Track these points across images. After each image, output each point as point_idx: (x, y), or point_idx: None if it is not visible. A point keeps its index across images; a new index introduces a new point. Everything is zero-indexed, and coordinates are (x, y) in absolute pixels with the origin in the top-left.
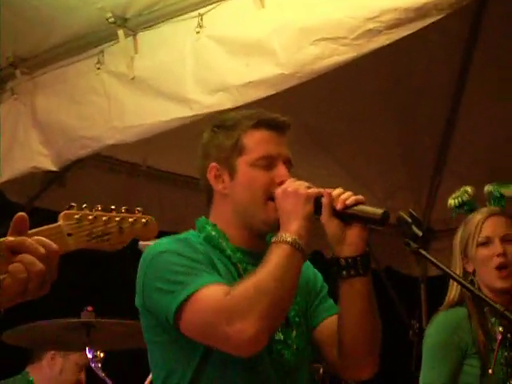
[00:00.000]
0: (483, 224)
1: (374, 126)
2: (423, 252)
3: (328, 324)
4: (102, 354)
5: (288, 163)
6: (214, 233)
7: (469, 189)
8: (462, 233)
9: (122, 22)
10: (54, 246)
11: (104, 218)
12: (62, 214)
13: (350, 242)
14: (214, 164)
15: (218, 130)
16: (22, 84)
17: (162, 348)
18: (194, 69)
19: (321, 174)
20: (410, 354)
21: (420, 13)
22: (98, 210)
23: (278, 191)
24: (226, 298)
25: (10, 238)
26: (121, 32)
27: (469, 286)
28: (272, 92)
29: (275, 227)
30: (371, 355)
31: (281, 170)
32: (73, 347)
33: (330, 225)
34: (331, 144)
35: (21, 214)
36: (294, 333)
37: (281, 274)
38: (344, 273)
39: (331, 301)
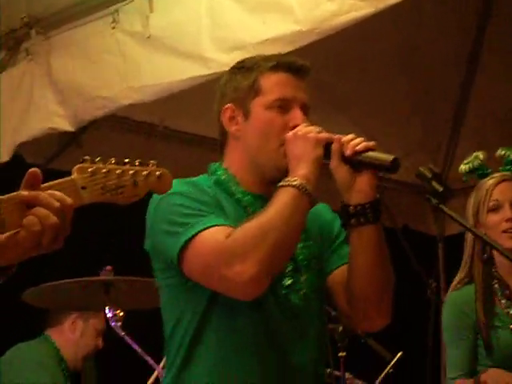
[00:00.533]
0: (493, 189)
1: (390, 87)
2: (443, 207)
3: (341, 272)
4: (121, 313)
5: (305, 108)
6: (224, 176)
7: (480, 154)
8: (473, 198)
9: None
10: (69, 199)
11: (118, 172)
12: (75, 167)
13: (359, 189)
14: (229, 105)
15: (237, 71)
16: (37, 44)
17: (171, 292)
18: (209, 27)
19: (337, 132)
20: (428, 313)
21: None
22: (111, 164)
23: (289, 135)
24: (227, 240)
25: (24, 192)
26: None
27: (486, 237)
28: (289, 49)
29: (287, 173)
30: (382, 304)
31: (296, 113)
32: (92, 307)
33: (339, 171)
34: (346, 103)
35: (33, 169)
36: (304, 277)
37: (285, 216)
38: (353, 220)
39: (348, 248)
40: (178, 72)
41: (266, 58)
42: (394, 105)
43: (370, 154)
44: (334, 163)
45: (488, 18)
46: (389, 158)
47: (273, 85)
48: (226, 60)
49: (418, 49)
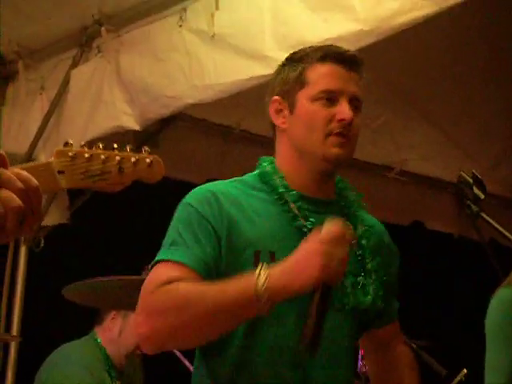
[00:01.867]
0: None
1: (478, 92)
2: (484, 215)
3: (382, 332)
4: None
5: (355, 101)
6: (268, 168)
7: None
8: None
9: None
10: (34, 181)
11: (102, 157)
12: (55, 150)
13: None
14: (276, 97)
15: (286, 63)
16: (108, 42)
17: None
18: (272, 25)
19: (419, 142)
20: None
21: None
22: (97, 148)
23: (314, 239)
24: (163, 287)
25: None
26: None
27: None
28: (351, 49)
29: (337, 164)
30: None
31: (343, 106)
32: (133, 306)
33: None
34: (428, 108)
35: None
36: (350, 288)
37: (219, 307)
38: None
39: (396, 303)
40: (240, 71)
41: (315, 49)
42: (482, 113)
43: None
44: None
45: None
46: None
47: (319, 76)
48: None
49: (508, 55)
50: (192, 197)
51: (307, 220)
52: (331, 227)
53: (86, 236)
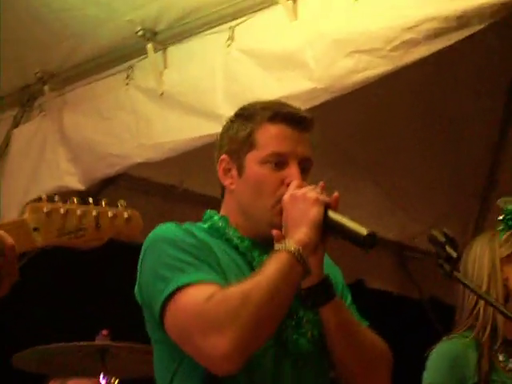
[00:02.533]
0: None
1: (418, 152)
2: (458, 275)
3: None
4: (116, 381)
5: (306, 163)
6: (221, 223)
7: None
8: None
9: (151, 35)
10: (9, 239)
11: (78, 212)
12: (28, 206)
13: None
14: (224, 156)
15: (235, 120)
16: (51, 101)
17: (162, 347)
18: (224, 83)
19: (363, 202)
20: None
21: (461, 22)
22: (73, 203)
23: (286, 197)
24: (207, 304)
25: None
26: (150, 46)
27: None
28: (304, 107)
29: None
30: (370, 381)
31: (292, 169)
32: (86, 373)
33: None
34: (372, 170)
35: None
36: (305, 318)
37: (274, 285)
38: (309, 303)
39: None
40: (190, 129)
41: (266, 107)
42: (423, 173)
43: (350, 224)
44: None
45: None
46: (363, 231)
47: (269, 138)
48: None
49: (447, 116)
50: (168, 231)
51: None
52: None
53: (33, 301)
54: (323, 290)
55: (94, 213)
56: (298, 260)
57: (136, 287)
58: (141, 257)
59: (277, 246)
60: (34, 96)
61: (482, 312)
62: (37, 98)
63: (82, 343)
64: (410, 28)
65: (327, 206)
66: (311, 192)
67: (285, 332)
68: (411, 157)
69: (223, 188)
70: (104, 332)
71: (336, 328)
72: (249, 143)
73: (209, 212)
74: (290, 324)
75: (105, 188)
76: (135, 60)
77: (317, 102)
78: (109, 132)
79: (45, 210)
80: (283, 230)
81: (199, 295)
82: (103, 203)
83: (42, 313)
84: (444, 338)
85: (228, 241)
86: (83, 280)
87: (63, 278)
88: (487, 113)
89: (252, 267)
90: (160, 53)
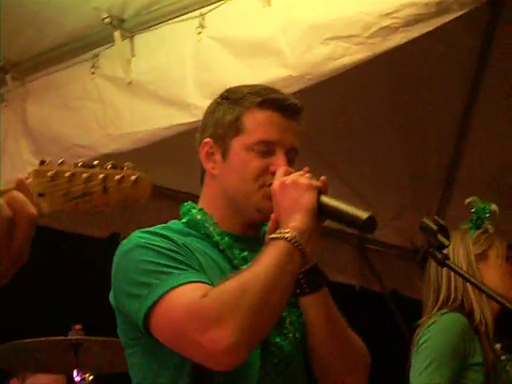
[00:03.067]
0: None
1: (381, 144)
2: (450, 263)
3: None
4: (91, 377)
5: (292, 152)
6: (199, 216)
7: (495, 206)
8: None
9: (118, 22)
10: (32, 207)
11: (84, 176)
12: (31, 170)
13: None
14: (208, 140)
15: (222, 102)
16: (13, 90)
17: (138, 353)
18: (194, 72)
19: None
20: None
21: (441, 8)
22: (77, 167)
23: (275, 185)
24: (203, 299)
25: None
26: (117, 34)
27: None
28: None
29: (270, 215)
30: (348, 379)
31: (279, 158)
32: (59, 369)
33: None
34: (336, 161)
35: None
36: (288, 320)
37: (272, 274)
38: (297, 291)
39: None
40: (160, 119)
41: (255, 92)
42: (385, 165)
43: (347, 208)
44: None
45: (481, 78)
46: (363, 215)
47: (257, 124)
48: None
49: (409, 108)
50: (137, 239)
51: (244, 265)
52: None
53: (3, 293)
54: (313, 277)
55: (101, 176)
56: (296, 247)
57: (110, 294)
58: (114, 267)
59: (272, 235)
60: None
61: (470, 297)
62: None
63: (54, 338)
64: (388, 14)
65: (319, 191)
66: (302, 178)
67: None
68: (374, 149)
69: (203, 174)
70: (77, 326)
71: (325, 319)
72: (235, 128)
73: (187, 205)
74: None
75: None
76: (101, 48)
77: (291, 90)
78: (75, 122)
79: (49, 173)
80: (276, 217)
81: (193, 294)
82: (109, 165)
83: (14, 307)
84: (443, 311)
85: (207, 237)
86: (56, 274)
87: (36, 271)
88: (450, 104)
89: (233, 265)
90: (127, 40)
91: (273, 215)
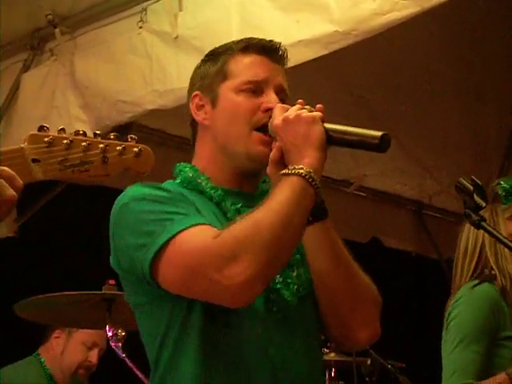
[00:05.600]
0: None
1: (440, 108)
2: (485, 225)
3: None
4: (123, 333)
5: (282, 93)
6: (191, 174)
7: None
8: None
9: None
10: (8, 171)
11: (83, 144)
12: (27, 135)
13: None
14: (196, 93)
15: (206, 59)
16: (62, 44)
17: (148, 312)
18: (239, 27)
19: (379, 157)
20: None
21: None
22: (78, 134)
23: (278, 121)
24: (216, 239)
25: None
26: None
27: None
28: (324, 52)
29: (261, 163)
30: (357, 314)
31: (269, 96)
32: (92, 324)
33: None
34: (392, 124)
35: None
36: (295, 273)
37: (287, 209)
38: None
39: None
40: None
41: (237, 41)
42: (444, 129)
43: (357, 130)
44: None
45: None
46: (377, 134)
47: (243, 67)
48: None
49: (471, 71)
50: (135, 192)
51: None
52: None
53: (36, 250)
54: (316, 207)
55: (101, 145)
56: (310, 183)
57: (111, 257)
58: (111, 223)
59: (284, 170)
60: (44, 40)
61: (503, 265)
62: (47, 42)
63: (87, 292)
64: None
65: (323, 121)
66: (303, 111)
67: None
68: (433, 112)
69: (194, 130)
70: (111, 282)
71: (329, 248)
72: (222, 74)
73: (179, 165)
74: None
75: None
76: (149, 2)
77: (338, 46)
78: (121, 77)
79: (46, 139)
80: (285, 153)
81: (203, 234)
82: (111, 135)
83: (48, 261)
84: (473, 283)
85: (201, 192)
86: (91, 229)
87: (70, 226)
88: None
89: (227, 218)
90: None
91: (277, 143)
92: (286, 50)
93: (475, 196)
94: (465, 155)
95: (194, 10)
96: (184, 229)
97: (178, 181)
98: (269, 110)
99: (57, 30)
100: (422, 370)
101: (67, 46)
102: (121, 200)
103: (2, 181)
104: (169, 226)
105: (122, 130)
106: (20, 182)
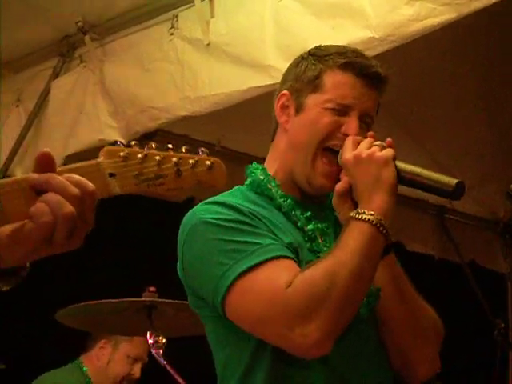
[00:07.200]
0: None
1: (461, 111)
2: None
3: None
4: (164, 340)
5: (367, 119)
6: (262, 177)
7: None
8: None
9: None
10: (91, 185)
11: (157, 158)
12: (103, 149)
13: None
14: (285, 92)
15: (307, 57)
16: (92, 51)
17: (214, 324)
18: (274, 33)
19: (402, 160)
20: (494, 355)
21: None
22: (151, 148)
23: (349, 157)
24: (288, 290)
25: (34, 175)
26: None
27: None
28: None
29: (321, 194)
30: (417, 351)
31: (352, 122)
32: (133, 331)
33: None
34: (414, 127)
35: (45, 150)
36: None
37: (359, 264)
38: None
39: None
40: (238, 82)
41: (341, 53)
42: (466, 132)
43: (431, 174)
44: None
45: None
46: (452, 181)
47: (336, 84)
48: None
49: (493, 73)
50: (200, 213)
51: (308, 225)
52: (346, 143)
53: (78, 255)
54: None
55: (175, 159)
56: (381, 231)
57: (179, 266)
58: (181, 241)
59: (353, 213)
60: (74, 46)
61: None
62: (77, 49)
63: (128, 299)
64: None
65: (394, 160)
66: (376, 150)
67: None
68: (454, 115)
69: (275, 129)
70: (151, 289)
71: (392, 283)
72: (314, 84)
73: (252, 166)
74: None
75: (143, 143)
76: (180, 9)
77: (374, 53)
78: (151, 84)
79: (121, 153)
80: (354, 192)
81: (276, 278)
82: (183, 149)
83: (90, 268)
84: None
85: (270, 199)
86: (130, 236)
87: (112, 234)
88: None
89: (297, 227)
90: (206, 1)
91: (346, 177)
92: (385, 76)
93: None
94: (486, 159)
95: (226, 16)
96: (254, 265)
97: (247, 182)
98: (346, 136)
99: (87, 37)
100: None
101: (97, 52)
102: (190, 219)
103: (57, 197)
104: (239, 259)
105: (147, 136)
106: (91, 186)
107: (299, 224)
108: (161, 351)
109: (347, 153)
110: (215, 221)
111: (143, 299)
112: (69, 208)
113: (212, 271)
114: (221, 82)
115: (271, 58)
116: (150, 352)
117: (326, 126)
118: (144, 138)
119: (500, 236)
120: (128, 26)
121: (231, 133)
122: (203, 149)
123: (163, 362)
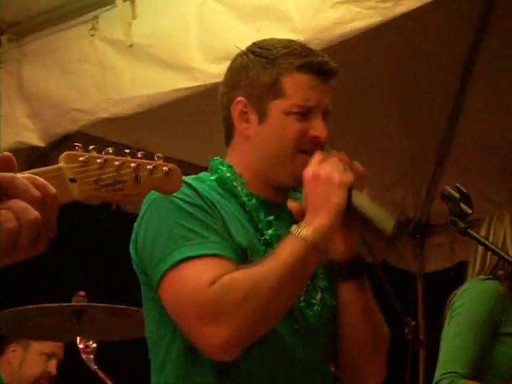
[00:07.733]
0: None
1: (375, 114)
2: (472, 232)
3: None
4: (94, 345)
5: (326, 113)
6: (228, 174)
7: None
8: None
9: None
10: (52, 189)
11: (116, 163)
12: (63, 154)
13: (341, 244)
14: (241, 98)
15: (254, 59)
16: (9, 52)
17: (154, 308)
18: (198, 35)
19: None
20: (405, 352)
21: None
22: (108, 153)
23: (308, 174)
24: (209, 289)
25: None
26: None
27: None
28: None
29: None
30: (370, 365)
31: (318, 123)
32: (62, 336)
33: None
34: (330, 133)
35: (6, 153)
36: (319, 296)
37: (284, 276)
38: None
39: None
40: (161, 84)
41: (292, 52)
42: (379, 136)
43: (377, 214)
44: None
45: (476, 53)
46: (390, 224)
47: (297, 88)
48: (215, 71)
49: (411, 78)
50: (184, 192)
51: (269, 229)
52: (313, 160)
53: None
54: (356, 266)
55: (133, 164)
56: (312, 249)
57: (131, 244)
58: (141, 214)
59: (294, 227)
60: None
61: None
62: None
63: (57, 304)
64: None
65: (351, 188)
66: (336, 172)
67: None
68: (368, 118)
69: (231, 130)
70: (81, 293)
71: (361, 305)
72: (274, 91)
73: (216, 160)
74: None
75: (57, 147)
76: (101, 10)
77: None
78: (72, 85)
79: (81, 158)
80: (304, 204)
81: (203, 275)
82: (139, 154)
83: (17, 273)
84: (480, 278)
85: (235, 196)
86: (60, 240)
87: None
88: (446, 77)
89: (257, 229)
90: (128, 3)
91: (294, 206)
92: (337, 68)
93: (461, 204)
94: (399, 162)
95: (149, 17)
96: (190, 257)
97: (212, 178)
98: (316, 138)
99: (4, 38)
100: None
101: (14, 53)
102: (154, 193)
103: (21, 202)
104: (182, 246)
105: (63, 139)
106: (53, 190)
107: (260, 226)
108: (91, 356)
109: (309, 169)
110: (177, 200)
111: (72, 304)
112: (34, 213)
113: (156, 251)
114: (144, 84)
115: (195, 60)
116: (80, 355)
117: (294, 133)
118: (57, 142)
119: (410, 236)
120: (48, 27)
121: (148, 135)
122: (159, 154)
123: (94, 366)
